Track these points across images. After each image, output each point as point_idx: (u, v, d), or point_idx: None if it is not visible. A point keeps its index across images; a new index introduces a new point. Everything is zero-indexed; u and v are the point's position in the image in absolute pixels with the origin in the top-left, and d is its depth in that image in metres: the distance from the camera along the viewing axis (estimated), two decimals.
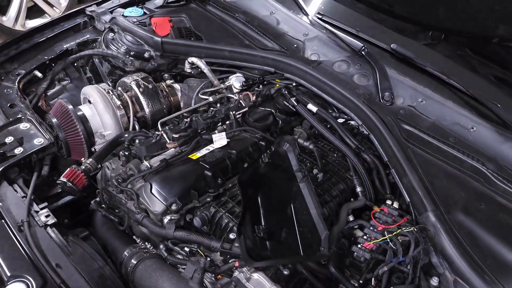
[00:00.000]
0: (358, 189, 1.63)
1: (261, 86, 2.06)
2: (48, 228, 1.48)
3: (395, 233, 1.44)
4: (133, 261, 1.42)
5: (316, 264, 1.36)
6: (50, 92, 2.07)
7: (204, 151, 1.65)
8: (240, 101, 1.95)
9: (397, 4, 2.04)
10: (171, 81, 2.08)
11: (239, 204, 1.46)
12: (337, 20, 2.20)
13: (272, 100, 1.97)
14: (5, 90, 1.94)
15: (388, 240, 1.42)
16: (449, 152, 1.72)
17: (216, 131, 1.76)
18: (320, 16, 2.24)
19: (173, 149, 1.66)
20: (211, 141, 1.69)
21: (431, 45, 2.06)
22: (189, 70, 2.15)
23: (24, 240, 1.39)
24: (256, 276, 1.27)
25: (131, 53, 2.10)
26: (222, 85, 2.05)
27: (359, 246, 1.41)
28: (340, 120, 1.90)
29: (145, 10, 2.34)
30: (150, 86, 1.93)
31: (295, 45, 2.17)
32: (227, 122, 1.80)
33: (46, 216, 1.51)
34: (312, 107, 1.88)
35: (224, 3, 2.46)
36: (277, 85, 2.05)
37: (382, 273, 1.35)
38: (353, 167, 1.68)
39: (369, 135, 1.80)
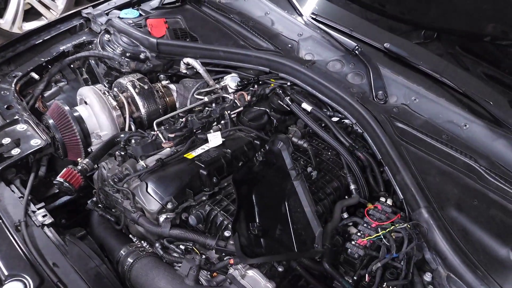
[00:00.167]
0: (352, 186, 1.65)
1: (256, 86, 2.08)
2: (45, 228, 1.49)
3: (388, 229, 1.45)
4: (130, 260, 1.43)
5: (311, 260, 1.37)
6: (47, 94, 2.09)
7: (199, 151, 1.66)
8: (235, 101, 1.96)
9: (390, 4, 2.06)
10: (167, 81, 2.09)
11: (234, 202, 1.47)
12: (331, 20, 2.23)
13: (266, 100, 1.99)
14: (2, 92, 1.95)
15: (382, 237, 1.44)
16: (442, 149, 1.74)
17: (211, 131, 1.78)
18: (314, 17, 2.26)
19: (168, 148, 1.68)
20: (206, 141, 1.71)
21: (423, 44, 2.08)
22: (184, 71, 2.16)
23: (21, 239, 1.40)
24: (251, 273, 1.29)
25: (127, 54, 2.11)
26: (217, 85, 2.06)
27: (353, 242, 1.43)
28: (334, 119, 1.92)
29: (140, 12, 2.36)
30: (146, 87, 1.94)
31: (289, 45, 2.19)
32: (222, 121, 1.82)
33: (43, 216, 1.52)
34: (306, 106, 1.90)
35: (219, 4, 2.48)
36: (272, 84, 2.07)
37: (375, 269, 1.37)
38: (347, 165, 1.70)
39: (363, 133, 1.82)
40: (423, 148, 1.74)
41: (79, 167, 1.60)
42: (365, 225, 1.49)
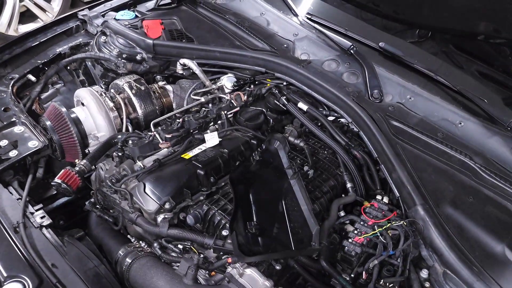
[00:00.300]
0: (349, 185, 1.66)
1: (252, 86, 2.09)
2: (44, 229, 1.50)
3: (385, 227, 1.47)
4: (128, 260, 1.44)
5: (308, 258, 1.38)
6: (43, 96, 2.09)
7: (196, 151, 1.67)
8: (232, 101, 1.97)
9: (384, 4, 2.07)
10: (163, 82, 2.10)
11: (231, 201, 1.48)
12: (326, 20, 2.24)
13: (263, 100, 2.00)
14: None
15: (378, 234, 1.45)
16: (437, 147, 1.76)
17: (208, 131, 1.79)
18: (309, 16, 2.28)
19: (166, 149, 1.68)
20: (203, 141, 1.72)
21: (418, 43, 2.10)
22: (181, 72, 2.17)
23: (20, 241, 1.41)
24: (249, 271, 1.30)
25: (123, 56, 2.12)
26: (213, 86, 2.07)
27: (350, 240, 1.44)
28: (330, 118, 1.93)
29: (136, 13, 2.37)
30: (143, 88, 1.95)
31: (285, 45, 2.20)
32: (219, 121, 1.82)
33: (41, 217, 1.53)
34: (302, 105, 1.91)
35: (215, 5, 2.49)
36: (268, 84, 2.08)
37: (372, 266, 1.39)
38: (343, 164, 1.71)
39: (358, 132, 1.83)
40: (418, 146, 1.75)
41: (77, 168, 1.61)
42: (362, 223, 1.50)
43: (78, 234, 1.63)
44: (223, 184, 1.61)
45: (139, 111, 1.93)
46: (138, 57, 2.14)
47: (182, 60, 2.12)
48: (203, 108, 1.91)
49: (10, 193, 1.60)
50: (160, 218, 1.46)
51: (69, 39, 2.27)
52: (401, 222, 1.47)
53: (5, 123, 1.80)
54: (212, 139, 1.70)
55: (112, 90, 1.95)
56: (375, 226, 1.48)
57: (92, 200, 1.72)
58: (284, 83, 2.06)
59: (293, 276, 1.42)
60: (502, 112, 1.80)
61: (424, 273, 1.44)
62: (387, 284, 1.37)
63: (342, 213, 1.59)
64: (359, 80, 2.01)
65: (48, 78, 2.10)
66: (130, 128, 1.90)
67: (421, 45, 2.09)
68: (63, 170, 1.58)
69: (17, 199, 1.58)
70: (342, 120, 1.93)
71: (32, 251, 1.38)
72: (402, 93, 1.95)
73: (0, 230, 1.44)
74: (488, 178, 1.66)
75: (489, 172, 1.68)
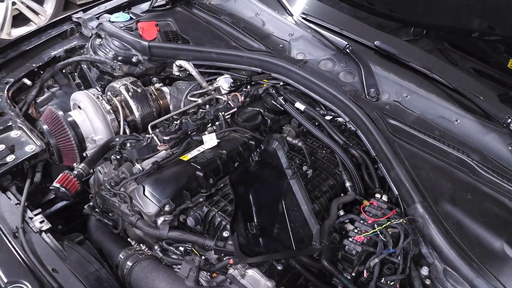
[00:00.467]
0: (348, 184, 1.66)
1: (248, 87, 2.09)
2: (43, 234, 1.49)
3: (384, 225, 1.47)
4: (129, 263, 1.43)
5: (309, 258, 1.39)
6: (39, 99, 2.08)
7: (195, 152, 1.67)
8: (229, 102, 1.97)
9: (378, 2, 2.08)
10: (160, 84, 2.10)
11: (231, 202, 1.48)
12: (321, 19, 2.24)
13: (260, 100, 2.00)
14: None
15: (378, 233, 1.45)
16: (434, 144, 1.77)
17: (205, 132, 1.79)
18: (304, 16, 2.28)
19: (164, 151, 1.68)
20: (201, 142, 1.72)
21: (413, 41, 2.11)
22: (177, 73, 2.17)
23: (20, 246, 1.41)
24: (250, 272, 1.30)
25: (119, 58, 2.12)
26: (210, 87, 2.07)
27: (350, 239, 1.44)
28: (328, 117, 1.94)
29: (131, 15, 2.36)
30: (139, 90, 1.94)
31: (281, 45, 2.20)
32: (217, 123, 1.82)
33: (41, 222, 1.52)
34: (299, 105, 1.91)
35: (210, 6, 2.49)
36: (265, 85, 2.08)
37: (373, 265, 1.39)
38: (342, 163, 1.72)
39: (356, 131, 1.84)
40: (416, 144, 1.76)
41: (75, 172, 1.60)
42: (361, 221, 1.50)
43: (78, 238, 1.62)
44: (222, 185, 1.61)
45: (136, 114, 1.92)
46: (134, 59, 2.13)
47: (178, 62, 2.11)
48: (200, 110, 1.91)
49: (8, 198, 1.60)
50: (160, 220, 1.46)
51: (64, 42, 2.26)
52: (401, 220, 1.48)
53: (1, 127, 1.79)
54: (210, 140, 1.70)
55: (108, 93, 1.94)
56: (375, 225, 1.48)
57: (91, 203, 1.71)
58: (281, 83, 2.06)
59: (295, 276, 1.43)
60: (498, 109, 1.82)
61: (424, 271, 1.44)
62: (388, 282, 1.37)
63: (341, 212, 1.59)
64: (356, 79, 2.02)
65: (43, 81, 2.09)
66: (127, 131, 1.89)
67: (416, 43, 2.10)
68: (61, 174, 1.57)
69: (16, 204, 1.57)
70: (339, 119, 1.94)
71: (32, 256, 1.37)
72: (398, 91, 1.96)
73: None
74: (486, 175, 1.68)
75: (486, 168, 1.69)
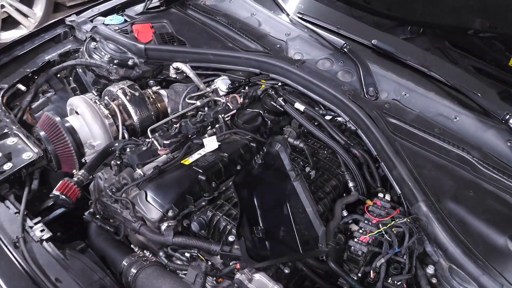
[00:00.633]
0: (351, 184, 1.66)
1: (246, 88, 2.07)
2: (44, 243, 1.47)
3: (389, 225, 1.47)
4: (133, 270, 1.42)
5: (316, 260, 1.38)
6: (34, 105, 2.04)
7: (196, 156, 1.65)
8: (228, 103, 1.96)
9: (375, 1, 2.07)
10: (157, 87, 2.07)
11: (235, 206, 1.47)
12: (317, 18, 2.23)
13: (259, 101, 1.99)
14: None
15: (383, 233, 1.45)
16: (435, 142, 1.77)
17: (206, 135, 1.77)
18: (300, 16, 2.27)
19: (164, 155, 1.66)
20: (202, 146, 1.70)
21: (410, 39, 2.11)
22: (174, 76, 2.15)
23: (21, 256, 1.38)
24: (257, 276, 1.29)
25: (115, 61, 2.09)
26: (208, 89, 2.05)
27: (355, 240, 1.43)
28: (327, 117, 1.93)
29: (125, 18, 2.33)
30: (137, 94, 1.92)
31: (278, 45, 2.19)
32: (217, 125, 1.81)
33: (41, 231, 1.50)
34: (299, 106, 1.90)
35: (204, 6, 2.47)
36: (263, 86, 2.06)
37: (379, 265, 1.39)
38: (344, 163, 1.71)
39: (356, 130, 1.84)
40: (416, 142, 1.77)
41: (75, 179, 1.58)
42: (366, 221, 1.50)
43: (80, 246, 1.60)
44: (224, 188, 1.59)
45: (135, 118, 1.90)
46: (130, 62, 2.10)
47: (175, 64, 2.09)
48: (199, 112, 1.89)
49: (7, 207, 1.57)
50: (164, 226, 1.44)
51: (58, 46, 2.22)
52: (405, 219, 1.48)
53: None
54: (211, 143, 1.69)
55: (106, 97, 1.91)
56: (380, 225, 1.48)
57: (91, 210, 1.69)
58: (279, 84, 2.05)
59: (301, 279, 1.42)
60: (496, 106, 1.83)
61: (430, 269, 1.44)
62: (395, 282, 1.37)
63: (345, 213, 1.59)
64: (354, 78, 2.02)
65: (38, 86, 2.05)
66: (126, 135, 1.86)
67: (413, 41, 2.10)
68: (61, 182, 1.55)
69: (15, 213, 1.54)
70: (339, 119, 1.93)
71: (34, 266, 1.35)
72: (397, 89, 1.96)
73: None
74: (486, 172, 1.69)
75: (487, 165, 1.70)
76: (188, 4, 2.47)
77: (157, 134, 1.76)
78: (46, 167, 1.81)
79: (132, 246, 1.62)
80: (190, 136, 1.74)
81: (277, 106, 1.90)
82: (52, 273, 1.35)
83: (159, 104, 2.01)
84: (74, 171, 1.62)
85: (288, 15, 2.31)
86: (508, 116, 1.76)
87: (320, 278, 1.41)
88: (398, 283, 1.37)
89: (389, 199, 1.60)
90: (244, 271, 1.29)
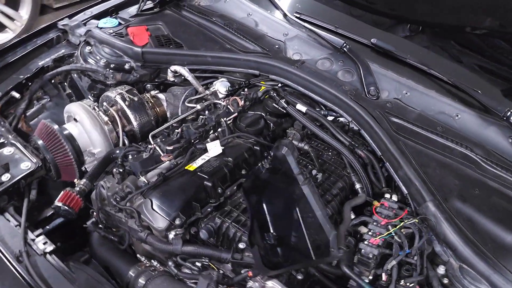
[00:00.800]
0: (357, 185, 1.65)
1: (246, 90, 2.05)
2: (48, 256, 1.43)
3: (398, 226, 1.46)
4: (141, 281, 1.39)
5: (328, 265, 1.37)
6: (29, 112, 1.98)
7: (200, 161, 1.62)
8: (228, 106, 1.93)
9: (378, 0, 2.06)
10: (156, 91, 2.03)
11: (243, 212, 1.45)
12: (315, 18, 2.22)
13: (260, 103, 1.96)
14: None
15: (393, 234, 1.44)
16: (438, 141, 1.77)
17: (208, 140, 1.75)
18: (298, 15, 2.25)
19: (168, 161, 1.63)
20: (205, 150, 1.67)
21: (409, 38, 2.10)
22: (172, 79, 2.11)
23: (25, 270, 1.35)
24: (270, 284, 1.27)
25: (111, 66, 2.04)
26: (207, 92, 2.02)
27: (366, 242, 1.42)
28: (329, 118, 1.92)
29: (119, 20, 2.28)
30: (136, 99, 1.88)
31: (276, 46, 2.16)
32: (219, 129, 1.78)
33: (44, 243, 1.47)
34: (301, 107, 1.88)
35: (199, 7, 2.43)
36: (262, 87, 2.04)
37: (391, 267, 1.38)
38: (350, 164, 1.70)
39: (359, 130, 1.82)
40: (420, 141, 1.76)
41: (77, 189, 1.54)
42: (374, 223, 1.49)
43: (84, 257, 1.56)
44: (228, 193, 1.57)
45: (134, 123, 1.86)
46: (127, 66, 2.06)
47: (173, 67, 2.05)
48: (200, 116, 1.86)
49: (7, 220, 1.53)
50: (171, 235, 1.41)
51: (51, 51, 2.16)
52: (414, 220, 1.47)
53: None
54: (214, 148, 1.66)
55: (104, 103, 1.86)
56: (389, 226, 1.47)
57: (93, 219, 1.65)
58: (279, 85, 2.03)
59: (313, 284, 1.40)
60: (498, 102, 1.83)
61: (441, 269, 1.44)
62: (407, 284, 1.36)
63: (352, 215, 1.58)
64: (354, 77, 2.00)
65: (32, 93, 1.99)
66: (126, 142, 1.83)
67: (412, 40, 2.09)
68: (63, 192, 1.51)
69: (16, 226, 1.50)
70: (341, 119, 1.91)
71: (40, 281, 1.32)
72: (397, 88, 1.95)
73: (2, 261, 1.37)
74: (490, 169, 1.69)
75: (490, 163, 1.70)
76: (182, 5, 2.43)
77: (158, 139, 1.72)
78: (44, 177, 1.76)
79: (138, 256, 1.59)
80: (193, 141, 1.71)
81: (280, 108, 1.88)
82: (58, 286, 1.33)
83: (158, 109, 1.98)
84: (75, 180, 1.57)
85: (285, 15, 2.29)
86: (509, 113, 1.76)
87: (333, 282, 1.39)
88: (410, 285, 1.36)
89: (396, 200, 1.60)
90: (256, 278, 1.28)
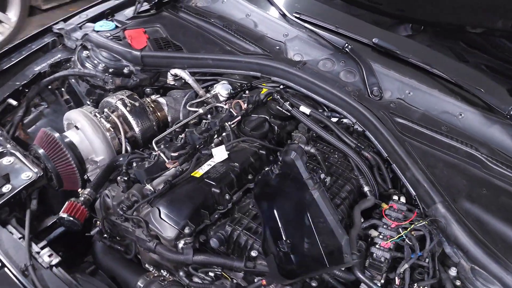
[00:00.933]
0: (366, 188, 1.63)
1: (247, 92, 2.02)
2: (54, 268, 1.40)
3: (409, 228, 1.45)
4: None
5: (341, 270, 1.35)
6: (26, 120, 1.94)
7: (206, 167, 1.60)
8: (231, 110, 1.90)
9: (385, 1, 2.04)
10: (157, 95, 1.99)
11: (254, 219, 1.43)
12: (315, 18, 2.19)
13: (263, 106, 1.93)
14: None
15: (404, 237, 1.43)
16: (443, 141, 1.77)
17: (212, 145, 1.72)
18: (297, 16, 2.22)
19: (173, 168, 1.60)
20: (210, 156, 1.65)
21: (411, 37, 2.09)
22: (172, 82, 2.08)
23: (31, 285, 1.31)
24: None
25: (110, 70, 2.00)
26: (208, 95, 1.99)
27: (377, 246, 1.41)
28: (334, 119, 1.90)
29: (116, 23, 2.24)
30: (137, 104, 1.84)
31: (277, 47, 2.14)
32: (223, 133, 1.75)
33: (49, 256, 1.43)
34: (305, 109, 1.86)
35: (197, 8, 2.40)
36: (264, 89, 2.01)
37: (403, 270, 1.37)
38: (357, 167, 1.68)
39: (364, 132, 1.81)
40: (425, 141, 1.75)
41: (82, 199, 1.51)
42: (384, 226, 1.48)
43: (90, 268, 1.53)
44: (235, 199, 1.55)
45: (136, 129, 1.82)
46: (126, 71, 2.02)
47: (174, 71, 2.02)
48: (203, 121, 1.83)
49: (10, 232, 1.48)
50: (181, 244, 1.38)
51: (47, 56, 2.11)
52: (424, 222, 1.47)
53: None
54: (220, 153, 1.63)
55: (105, 109, 1.82)
56: (400, 229, 1.46)
57: (98, 228, 1.62)
58: (281, 86, 2.00)
59: None
60: (501, 101, 1.83)
61: (453, 271, 1.43)
62: (421, 287, 1.36)
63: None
64: (357, 78, 1.99)
65: (29, 100, 1.94)
66: (128, 148, 1.79)
67: (414, 39, 2.08)
68: (67, 203, 1.47)
69: (19, 238, 1.46)
70: (345, 120, 1.90)
71: None
72: (400, 88, 1.94)
73: (8, 276, 1.33)
74: (496, 168, 1.69)
75: (496, 161, 1.70)
76: (179, 7, 2.39)
77: (162, 145, 1.69)
78: (45, 186, 1.72)
79: (147, 265, 1.56)
80: (198, 146, 1.68)
81: (284, 110, 1.85)
82: None
83: (159, 113, 1.94)
84: (79, 190, 1.54)
85: (284, 15, 2.26)
86: None
87: (345, 286, 1.38)
88: None
89: (404, 202, 1.59)
90: (270, 287, 1.26)
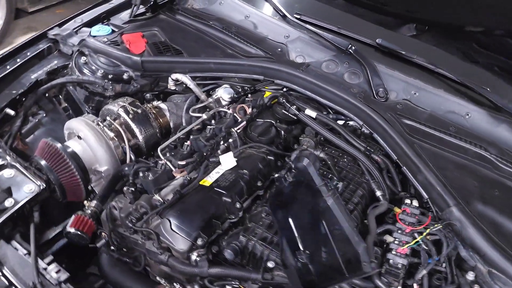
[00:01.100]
0: (378, 193, 1.60)
1: (250, 96, 1.98)
2: (63, 285, 1.35)
3: (425, 233, 1.43)
4: None
5: (360, 279, 1.33)
6: (24, 129, 1.87)
7: (214, 175, 1.56)
8: (235, 114, 1.86)
9: (391, 2, 2.02)
10: (159, 102, 1.94)
11: (268, 228, 1.40)
12: (317, 18, 2.16)
13: (268, 110, 1.90)
14: None
15: (421, 242, 1.41)
16: (452, 142, 1.75)
17: (219, 151, 1.68)
18: (298, 16, 2.19)
19: (181, 177, 1.56)
20: (218, 163, 1.61)
21: (415, 37, 2.07)
22: (173, 87, 2.03)
23: None
24: None
25: (109, 77, 1.94)
26: (210, 99, 1.94)
27: (393, 252, 1.39)
28: (340, 122, 1.87)
29: (112, 27, 2.17)
30: (139, 111, 1.79)
31: (279, 49, 2.11)
32: (230, 140, 1.71)
33: (57, 272, 1.38)
34: (311, 112, 1.83)
35: (194, 11, 2.35)
36: (267, 93, 1.98)
37: (422, 276, 1.35)
38: (368, 171, 1.66)
39: (372, 134, 1.79)
40: (434, 143, 1.74)
41: (89, 211, 1.46)
42: (399, 231, 1.46)
43: (98, 283, 1.48)
44: (245, 206, 1.51)
45: (140, 137, 1.77)
46: (125, 76, 1.97)
47: (175, 75, 1.97)
48: (208, 127, 1.79)
49: (15, 248, 1.43)
50: (194, 256, 1.34)
51: (43, 63, 2.03)
52: (440, 226, 1.45)
53: None
54: (228, 160, 1.60)
55: (108, 118, 1.77)
56: (415, 234, 1.44)
57: (104, 240, 1.57)
58: (284, 89, 1.97)
59: None
60: (508, 100, 1.82)
61: (470, 276, 1.41)
62: None
63: None
64: (361, 79, 1.97)
65: (27, 109, 1.88)
66: (132, 157, 1.74)
67: (419, 39, 2.06)
68: (74, 216, 1.43)
69: (25, 255, 1.41)
70: (351, 123, 1.87)
71: None
72: (406, 89, 1.93)
73: None
74: (507, 169, 1.68)
75: (506, 161, 1.69)
76: (176, 9, 2.34)
77: (167, 154, 1.65)
78: (47, 198, 1.66)
79: (158, 278, 1.51)
80: (205, 154, 1.64)
81: (290, 114, 1.82)
82: None
83: (161, 120, 1.89)
84: (85, 202, 1.49)
85: (285, 16, 2.22)
86: None
87: None
88: None
89: (417, 205, 1.57)
90: None
